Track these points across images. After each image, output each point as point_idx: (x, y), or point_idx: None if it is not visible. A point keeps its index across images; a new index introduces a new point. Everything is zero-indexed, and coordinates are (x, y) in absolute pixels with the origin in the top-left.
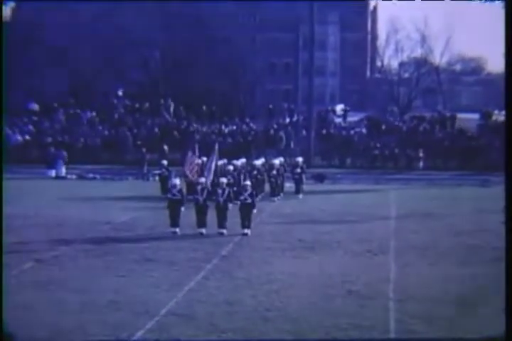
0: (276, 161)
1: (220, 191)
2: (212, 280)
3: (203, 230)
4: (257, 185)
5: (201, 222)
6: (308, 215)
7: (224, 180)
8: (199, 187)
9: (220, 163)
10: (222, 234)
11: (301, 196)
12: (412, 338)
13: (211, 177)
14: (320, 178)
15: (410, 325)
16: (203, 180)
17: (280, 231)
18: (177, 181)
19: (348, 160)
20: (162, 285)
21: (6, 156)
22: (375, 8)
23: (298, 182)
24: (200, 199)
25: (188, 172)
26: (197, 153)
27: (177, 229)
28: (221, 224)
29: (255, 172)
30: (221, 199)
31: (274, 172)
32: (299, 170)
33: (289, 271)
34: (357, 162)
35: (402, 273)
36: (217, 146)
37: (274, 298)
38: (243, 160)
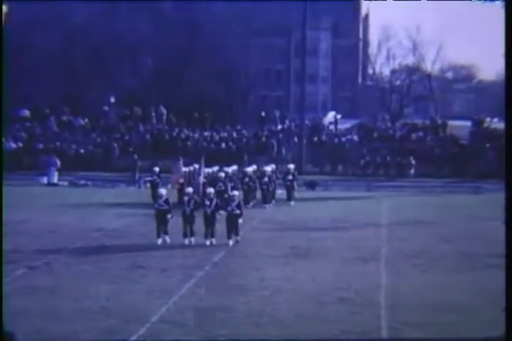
0: (268, 168)
1: (207, 202)
2: (204, 287)
3: (187, 240)
4: (249, 192)
5: (186, 233)
6: (299, 222)
7: (211, 190)
8: (186, 198)
9: (212, 170)
10: (209, 244)
11: (292, 203)
12: (412, 338)
13: (200, 187)
14: (312, 185)
15: (401, 332)
16: (190, 190)
17: (272, 238)
18: (163, 191)
19: (340, 167)
20: (153, 292)
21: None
22: (367, 15)
23: (289, 189)
24: (187, 209)
25: (174, 181)
26: (181, 161)
27: (160, 240)
28: (207, 234)
29: (247, 179)
30: (209, 210)
31: (266, 179)
32: (290, 177)
33: (280, 277)
34: (348, 169)
35: (393, 280)
36: (203, 157)
37: (265, 304)
38: (234, 167)
